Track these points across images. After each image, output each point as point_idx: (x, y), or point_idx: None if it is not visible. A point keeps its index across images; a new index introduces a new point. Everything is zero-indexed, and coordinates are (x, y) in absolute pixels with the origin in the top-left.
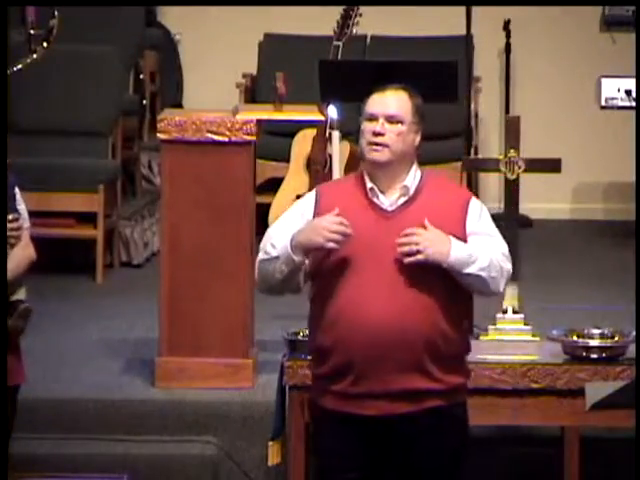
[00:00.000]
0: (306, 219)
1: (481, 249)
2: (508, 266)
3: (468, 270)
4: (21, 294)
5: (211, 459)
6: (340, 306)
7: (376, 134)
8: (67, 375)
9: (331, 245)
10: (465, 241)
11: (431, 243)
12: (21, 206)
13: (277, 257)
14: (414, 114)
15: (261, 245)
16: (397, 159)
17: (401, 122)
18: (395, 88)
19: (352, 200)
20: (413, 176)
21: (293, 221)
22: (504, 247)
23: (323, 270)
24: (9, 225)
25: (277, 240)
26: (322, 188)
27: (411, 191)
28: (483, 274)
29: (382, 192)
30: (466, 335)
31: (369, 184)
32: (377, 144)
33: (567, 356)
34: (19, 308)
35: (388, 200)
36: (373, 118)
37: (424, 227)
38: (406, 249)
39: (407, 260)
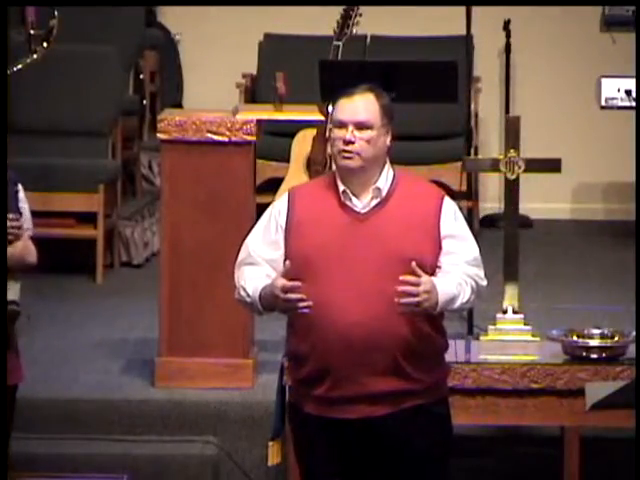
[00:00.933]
0: (279, 225)
1: (459, 279)
2: (483, 282)
3: (452, 307)
4: (13, 293)
5: (211, 459)
6: (314, 311)
7: (346, 142)
8: (67, 375)
9: (291, 312)
10: (439, 244)
11: (427, 297)
12: (24, 205)
13: (251, 303)
14: (382, 116)
15: (239, 258)
16: (369, 164)
17: (370, 127)
18: (362, 90)
19: (325, 203)
20: (385, 177)
21: (267, 228)
22: (476, 252)
23: (296, 275)
24: (9, 223)
25: (249, 277)
26: (295, 191)
27: (383, 193)
28: (466, 306)
29: (355, 195)
30: (442, 332)
31: (341, 187)
32: (348, 152)
33: (567, 356)
34: (7, 310)
35: (361, 202)
36: (342, 125)
37: (401, 234)
38: (407, 301)
39: (401, 310)
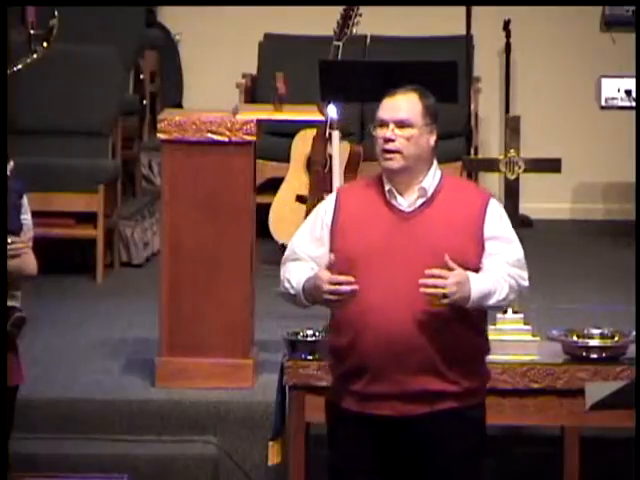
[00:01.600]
0: (325, 223)
1: (498, 276)
2: (524, 282)
3: (488, 304)
4: (16, 300)
5: (211, 459)
6: (355, 307)
7: (387, 140)
8: (67, 375)
9: (332, 305)
10: (482, 245)
11: (457, 289)
12: (26, 216)
13: (294, 295)
14: (425, 116)
15: (285, 254)
16: (411, 163)
17: (411, 126)
18: (405, 90)
19: (371, 202)
20: (432, 177)
21: (314, 226)
22: (520, 254)
23: (339, 273)
24: (8, 246)
25: (294, 271)
26: (342, 189)
27: (429, 192)
28: (502, 303)
29: (400, 194)
30: (483, 337)
31: (387, 186)
32: (389, 151)
33: (567, 356)
34: (13, 317)
35: (406, 201)
36: (384, 124)
37: (444, 234)
38: (431, 291)
39: (433, 305)
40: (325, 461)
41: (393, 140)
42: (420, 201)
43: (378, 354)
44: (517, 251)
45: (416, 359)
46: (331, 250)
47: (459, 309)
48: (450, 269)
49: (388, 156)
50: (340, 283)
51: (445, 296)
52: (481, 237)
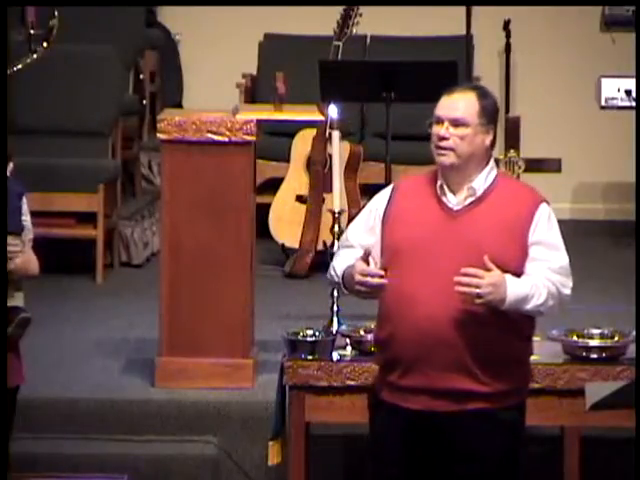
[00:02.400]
0: (378, 214)
1: (538, 281)
2: (566, 290)
3: (525, 308)
4: (19, 300)
5: (211, 459)
6: (395, 300)
7: (441, 138)
8: (67, 375)
9: (363, 296)
10: (525, 250)
11: (491, 290)
12: (26, 217)
13: (337, 282)
14: (481, 115)
15: (340, 241)
16: (463, 161)
17: (466, 125)
18: (464, 89)
19: (423, 196)
20: (484, 177)
21: (368, 215)
22: (565, 262)
23: (385, 265)
24: (8, 247)
25: (342, 259)
26: (399, 182)
27: (478, 192)
28: (540, 309)
29: (452, 191)
30: (524, 341)
31: (439, 181)
32: (442, 148)
33: (567, 356)
34: (17, 318)
35: (456, 199)
36: (439, 121)
37: (488, 235)
38: (464, 290)
39: (466, 302)
40: (325, 461)
41: (447, 138)
42: (469, 200)
43: (412, 347)
44: (562, 259)
45: (447, 356)
46: (381, 240)
47: (497, 311)
48: (488, 269)
49: (441, 152)
50: (369, 275)
51: (479, 296)
52: (525, 241)
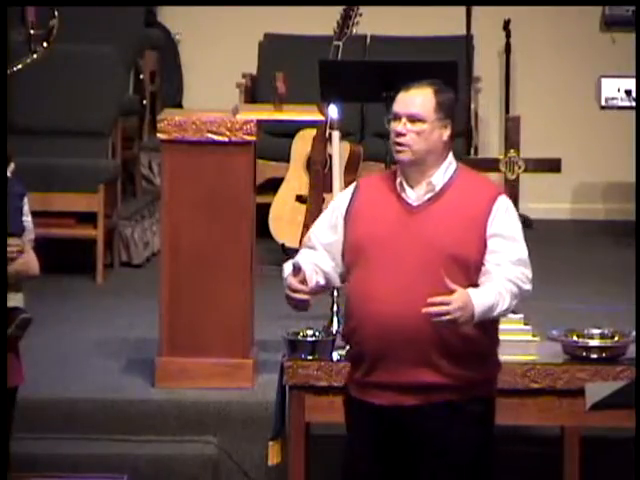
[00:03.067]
0: (340, 212)
1: (500, 285)
2: (527, 285)
3: (491, 315)
4: (19, 300)
5: (211, 459)
6: (358, 297)
7: (398, 134)
8: (67, 375)
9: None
10: (484, 242)
11: (461, 313)
12: (27, 217)
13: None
14: (437, 111)
15: (304, 239)
16: (421, 157)
17: (423, 121)
18: (420, 85)
19: (384, 193)
20: (443, 172)
21: (331, 213)
22: (524, 253)
23: (348, 262)
24: (9, 248)
25: (295, 260)
26: (362, 180)
27: (437, 187)
28: (505, 312)
29: (411, 187)
30: (488, 331)
31: (399, 178)
32: (400, 144)
33: (567, 356)
34: (18, 319)
35: (415, 195)
36: (397, 117)
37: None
38: (437, 319)
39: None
40: (325, 461)
41: (404, 134)
42: (428, 195)
43: (375, 343)
44: (520, 250)
45: (411, 350)
46: (344, 238)
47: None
48: (452, 291)
49: (398, 148)
50: (296, 290)
51: (451, 322)
52: (484, 234)
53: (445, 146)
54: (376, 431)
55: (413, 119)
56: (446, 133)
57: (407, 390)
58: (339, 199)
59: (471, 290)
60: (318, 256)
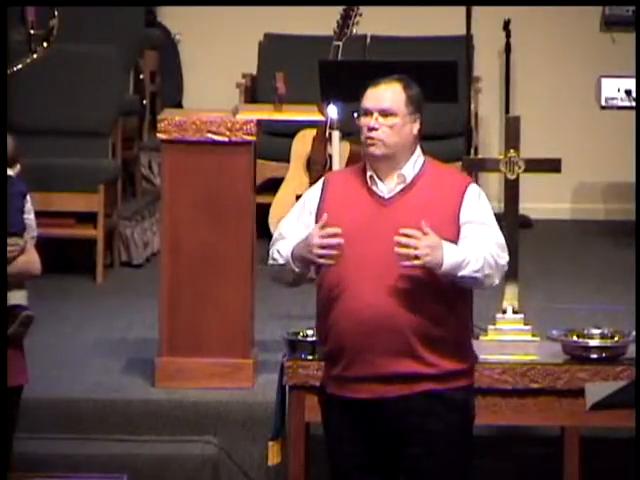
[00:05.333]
0: (309, 209)
1: (474, 249)
2: (503, 260)
3: (461, 273)
4: (21, 298)
5: (211, 459)
6: (332, 292)
7: (370, 129)
8: (67, 375)
9: (322, 261)
10: (458, 230)
11: (429, 251)
12: (29, 216)
13: (283, 265)
14: (408, 105)
15: (273, 238)
16: (392, 151)
17: (394, 115)
18: (389, 80)
19: (354, 188)
20: (413, 164)
21: (300, 211)
22: (499, 237)
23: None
24: (9, 247)
25: (282, 245)
26: (329, 176)
27: (408, 179)
28: (477, 275)
29: (381, 180)
30: (463, 319)
31: (369, 172)
32: (372, 138)
33: (567, 356)
34: (21, 316)
35: (386, 187)
36: (368, 113)
37: (420, 228)
38: (403, 251)
39: (403, 264)
40: (325, 460)
41: (376, 129)
42: (399, 187)
43: (353, 337)
44: (495, 234)
45: (390, 341)
46: None
47: (435, 293)
48: (425, 233)
49: (370, 142)
50: (328, 236)
51: (417, 257)
52: (457, 222)
53: (415, 139)
54: (358, 426)
55: (385, 113)
56: (416, 127)
57: (389, 381)
58: (308, 195)
59: (445, 242)
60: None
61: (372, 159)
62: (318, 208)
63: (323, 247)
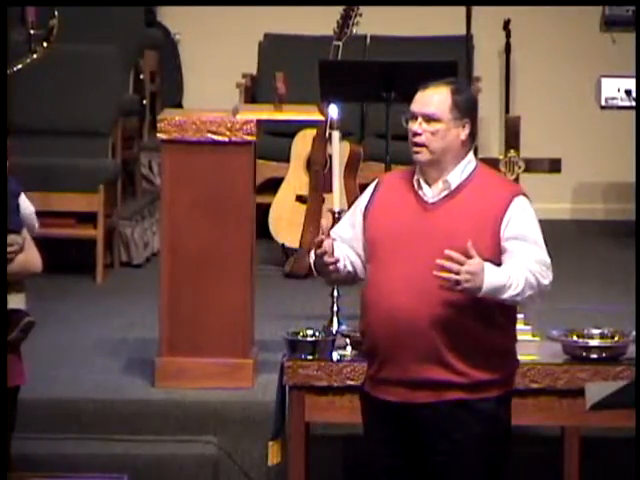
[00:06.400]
0: (359, 209)
1: (516, 270)
2: (546, 280)
3: (502, 297)
4: (20, 302)
5: (211, 459)
6: (373, 292)
7: (414, 134)
8: (67, 375)
9: (330, 269)
10: (498, 242)
11: (469, 277)
12: (27, 211)
13: (312, 267)
14: (453, 110)
15: None
16: (437, 157)
17: (438, 120)
18: (437, 84)
19: (402, 190)
20: (460, 171)
21: (353, 210)
22: (543, 255)
23: (368, 258)
24: (8, 247)
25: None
26: (383, 177)
27: (453, 185)
28: (517, 298)
29: (428, 184)
30: (502, 329)
31: (417, 175)
32: (416, 144)
33: (567, 356)
34: (22, 322)
35: (431, 192)
36: (413, 117)
37: (465, 248)
38: (444, 275)
39: (443, 287)
40: (325, 461)
41: (420, 134)
42: (444, 193)
43: (385, 338)
44: (539, 252)
45: (422, 347)
46: (363, 234)
47: (472, 301)
48: (469, 256)
49: (415, 149)
50: (321, 245)
51: (457, 282)
52: (498, 234)
53: (463, 145)
54: (388, 427)
55: (428, 119)
56: (464, 132)
57: (418, 387)
58: (362, 196)
59: (487, 264)
60: (344, 247)
61: (418, 164)
62: (366, 209)
63: (319, 258)
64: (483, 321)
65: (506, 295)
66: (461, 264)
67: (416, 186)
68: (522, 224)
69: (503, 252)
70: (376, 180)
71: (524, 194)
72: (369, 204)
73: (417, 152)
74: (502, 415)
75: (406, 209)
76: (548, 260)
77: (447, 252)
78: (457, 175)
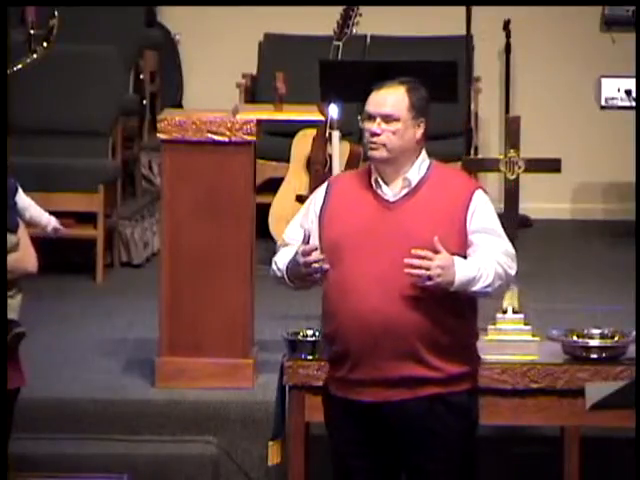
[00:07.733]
0: (315, 211)
1: (484, 262)
2: (512, 271)
3: (473, 289)
4: (12, 311)
5: (211, 459)
6: (338, 295)
7: (373, 134)
8: (67, 375)
9: (315, 278)
10: (465, 237)
11: (440, 272)
12: (24, 206)
13: (281, 277)
14: (410, 109)
15: (277, 244)
16: (396, 155)
17: (397, 120)
18: (393, 84)
19: (359, 191)
20: (418, 168)
21: (305, 215)
22: (509, 246)
23: (327, 260)
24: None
25: (281, 256)
26: (333, 179)
27: (413, 183)
28: (488, 289)
29: (386, 183)
30: (469, 323)
31: (374, 175)
32: (375, 142)
33: (567, 356)
34: (12, 332)
35: (391, 191)
36: (370, 117)
37: (431, 243)
38: (415, 272)
39: (415, 284)
40: (325, 461)
41: (379, 134)
42: (404, 191)
43: (358, 339)
44: (504, 243)
45: (395, 345)
46: (319, 237)
47: (441, 295)
48: (437, 252)
49: (372, 146)
50: (309, 253)
51: (429, 278)
52: (463, 228)
53: (418, 144)
54: (361, 427)
55: (387, 119)
56: (419, 131)
57: (394, 385)
58: (312, 198)
59: (457, 258)
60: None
61: (375, 163)
62: (321, 211)
63: (309, 265)
64: (453, 315)
65: (477, 287)
66: (430, 260)
67: (374, 185)
68: (485, 217)
69: (469, 245)
70: (326, 182)
71: (481, 187)
72: (324, 207)
73: (374, 149)
74: (473, 408)
75: (366, 208)
76: (513, 251)
77: (414, 251)
78: (415, 173)
